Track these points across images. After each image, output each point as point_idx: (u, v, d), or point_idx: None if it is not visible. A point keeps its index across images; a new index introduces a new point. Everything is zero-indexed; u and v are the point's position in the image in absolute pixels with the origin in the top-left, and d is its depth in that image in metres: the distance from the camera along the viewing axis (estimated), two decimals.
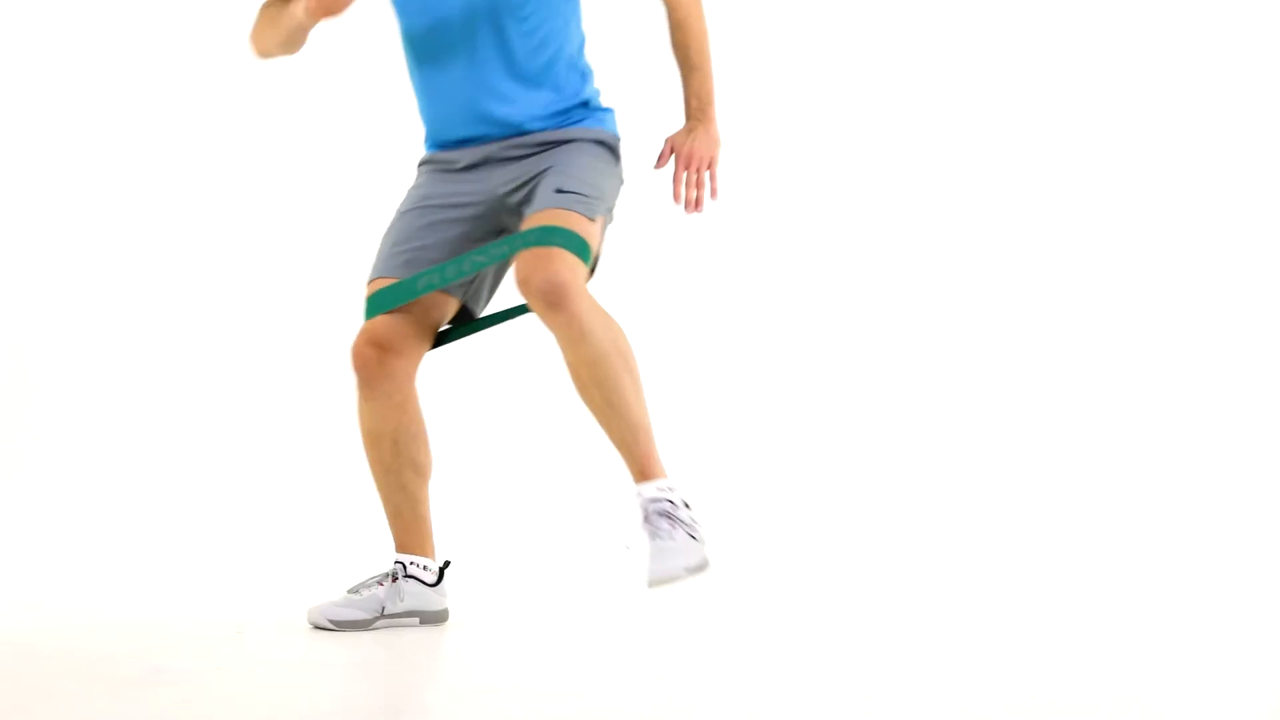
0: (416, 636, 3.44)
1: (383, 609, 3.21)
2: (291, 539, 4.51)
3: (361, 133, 5.24)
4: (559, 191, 2.88)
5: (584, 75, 3.17)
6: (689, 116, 3.16)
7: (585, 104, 3.11)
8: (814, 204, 5.27)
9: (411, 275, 3.00)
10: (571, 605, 3.86)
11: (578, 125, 3.05)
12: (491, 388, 5.12)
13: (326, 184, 5.23)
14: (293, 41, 3.15)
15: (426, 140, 3.21)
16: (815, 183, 5.28)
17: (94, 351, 5.09)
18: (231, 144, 5.22)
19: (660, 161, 3.16)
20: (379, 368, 2.94)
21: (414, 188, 3.18)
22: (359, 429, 3.05)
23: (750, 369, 5.22)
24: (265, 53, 3.20)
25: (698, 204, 3.09)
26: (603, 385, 2.76)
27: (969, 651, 3.49)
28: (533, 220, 2.88)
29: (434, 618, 3.33)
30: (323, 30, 3.19)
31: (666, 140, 3.18)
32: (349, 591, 3.23)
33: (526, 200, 3.01)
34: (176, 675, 3.04)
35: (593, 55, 3.25)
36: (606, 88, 3.31)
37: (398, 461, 3.06)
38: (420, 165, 3.21)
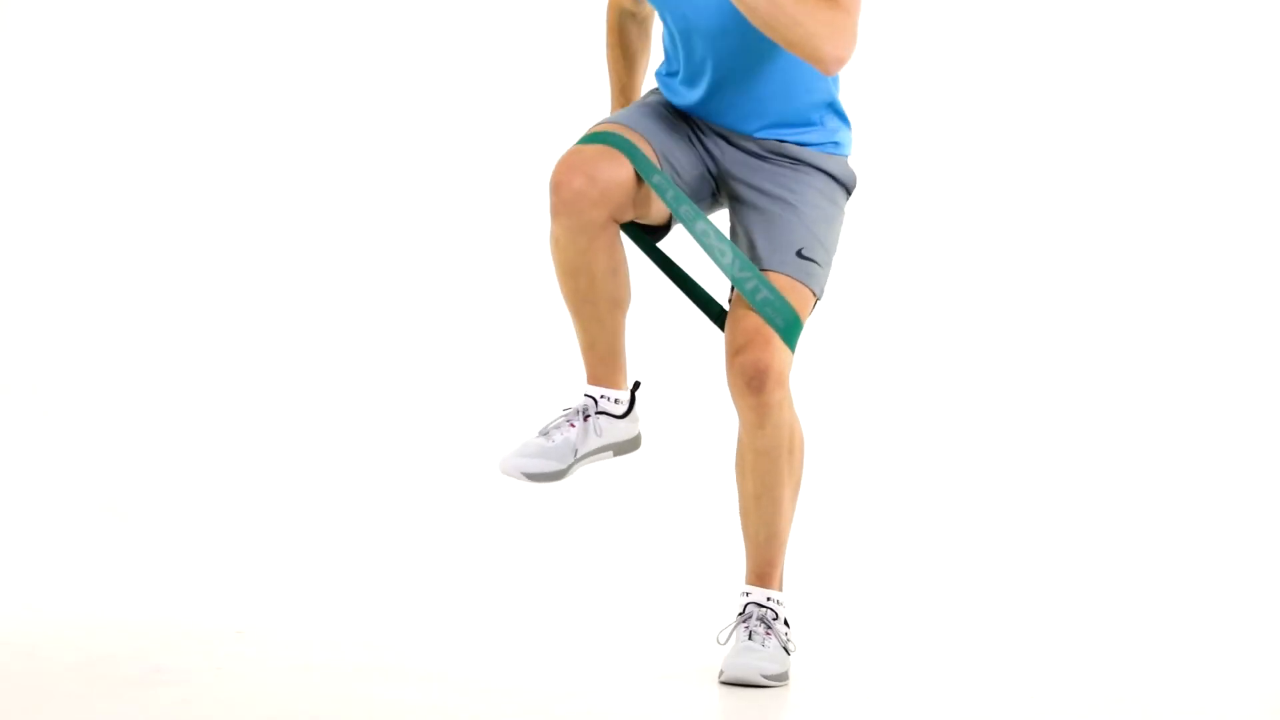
0: (417, 637, 3.44)
1: (575, 451, 2.90)
2: (291, 539, 4.50)
3: (358, 133, 5.24)
4: (800, 256, 2.71)
5: (832, 85, 2.92)
6: None
7: (831, 105, 2.88)
8: None
9: (656, 166, 2.73)
10: (571, 605, 3.86)
11: (823, 149, 2.83)
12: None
13: (324, 185, 5.22)
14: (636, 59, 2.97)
15: (667, 95, 2.90)
16: None
17: (94, 351, 5.09)
18: (229, 144, 5.22)
19: None
20: (585, 200, 2.64)
21: (665, 99, 2.88)
22: (552, 257, 2.76)
23: None
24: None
25: None
26: (762, 479, 2.71)
27: (969, 651, 3.49)
28: (770, 276, 2.70)
29: (627, 447, 3.01)
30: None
31: None
32: (539, 434, 2.89)
33: (753, 211, 2.79)
34: (176, 675, 3.04)
35: None
36: None
37: (594, 293, 2.78)
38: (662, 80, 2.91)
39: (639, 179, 2.73)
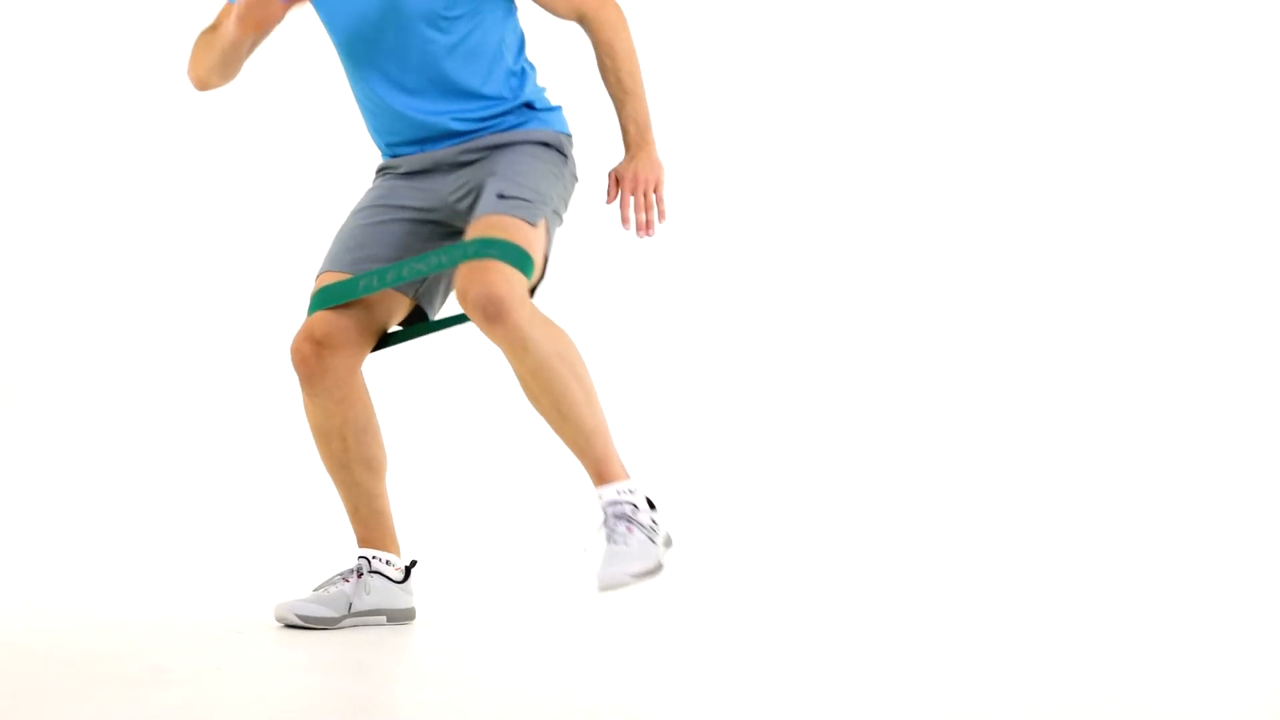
0: (416, 636, 3.44)
1: (350, 605, 3.19)
2: (291, 539, 4.50)
3: (352, 133, 5.24)
4: (500, 197, 2.88)
5: (523, 77, 3.14)
6: (628, 146, 3.10)
7: (529, 105, 3.10)
8: (792, 204, 5.28)
9: (356, 275, 3.00)
10: (565, 604, 3.86)
11: (522, 128, 3.05)
12: (454, 383, 5.11)
13: (314, 185, 5.23)
14: (228, 63, 3.14)
15: (378, 146, 3.22)
16: (791, 183, 5.28)
17: (94, 351, 5.09)
18: (228, 145, 5.22)
19: (609, 197, 3.13)
20: (317, 364, 2.93)
21: (369, 190, 3.20)
22: (309, 429, 3.02)
23: (739, 371, 5.23)
24: (203, 80, 3.19)
25: (648, 227, 3.07)
26: (551, 393, 2.79)
27: (969, 651, 3.49)
28: (475, 229, 2.89)
29: (401, 616, 3.30)
30: (259, 51, 3.18)
31: (610, 174, 3.13)
32: (315, 589, 3.20)
33: (473, 206, 3.01)
34: (176, 675, 3.04)
35: (540, 52, 3.18)
36: (557, 83, 3.25)
37: (347, 456, 3.06)
38: (377, 173, 3.22)
39: (359, 303, 2.98)
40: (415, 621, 3.50)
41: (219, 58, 3.12)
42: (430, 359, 4.54)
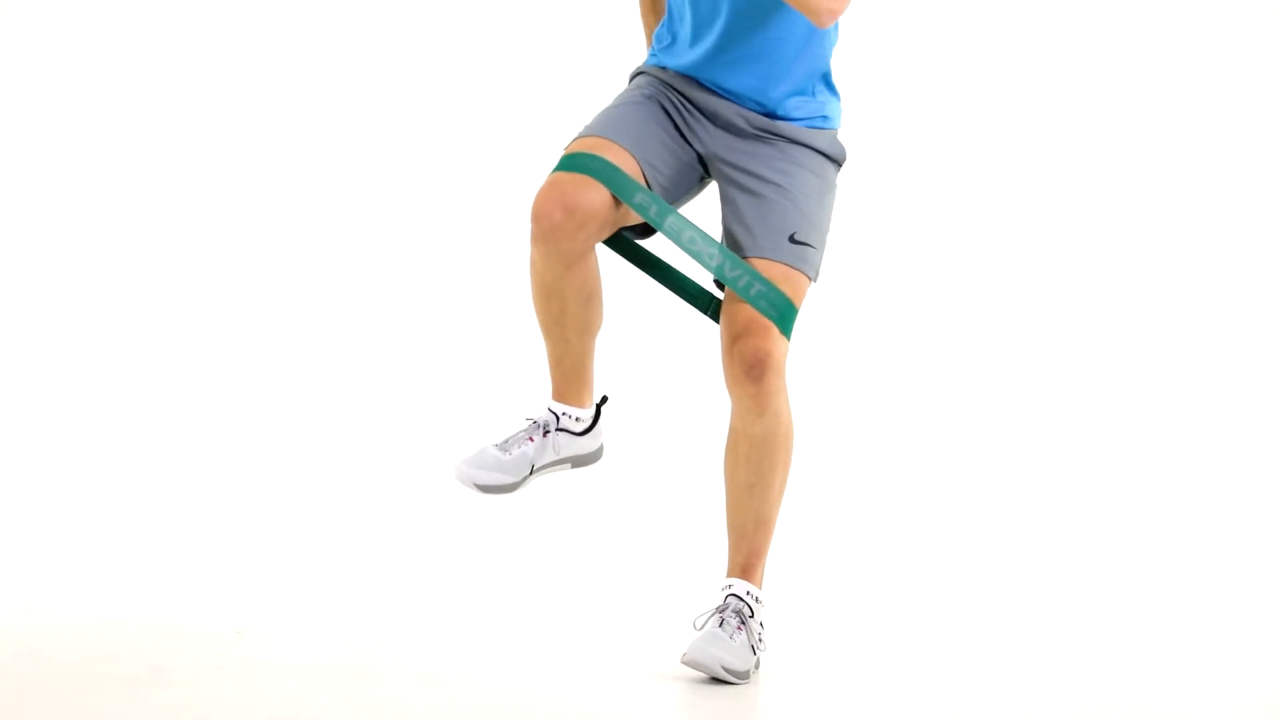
0: (417, 637, 3.43)
1: (532, 466, 2.96)
2: (290, 539, 4.50)
3: (354, 134, 5.24)
4: (794, 241, 2.71)
5: (828, 65, 2.90)
6: None
7: (825, 77, 2.84)
8: None
9: (631, 176, 2.74)
10: (569, 604, 3.86)
11: (813, 125, 2.81)
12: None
13: (321, 185, 5.23)
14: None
15: (663, 58, 2.89)
16: None
17: (93, 351, 5.09)
18: (227, 146, 5.22)
19: None
20: (560, 228, 2.67)
21: (645, 87, 2.87)
22: (530, 275, 2.79)
23: None
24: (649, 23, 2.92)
25: None
26: (757, 467, 2.71)
27: (969, 651, 3.49)
28: (763, 265, 2.70)
29: (586, 460, 3.06)
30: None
31: None
32: (497, 446, 2.95)
33: (744, 193, 2.77)
34: (176, 675, 3.04)
35: None
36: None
37: (565, 317, 2.83)
38: (641, 74, 2.91)
39: (618, 200, 2.75)
40: (417, 620, 3.49)
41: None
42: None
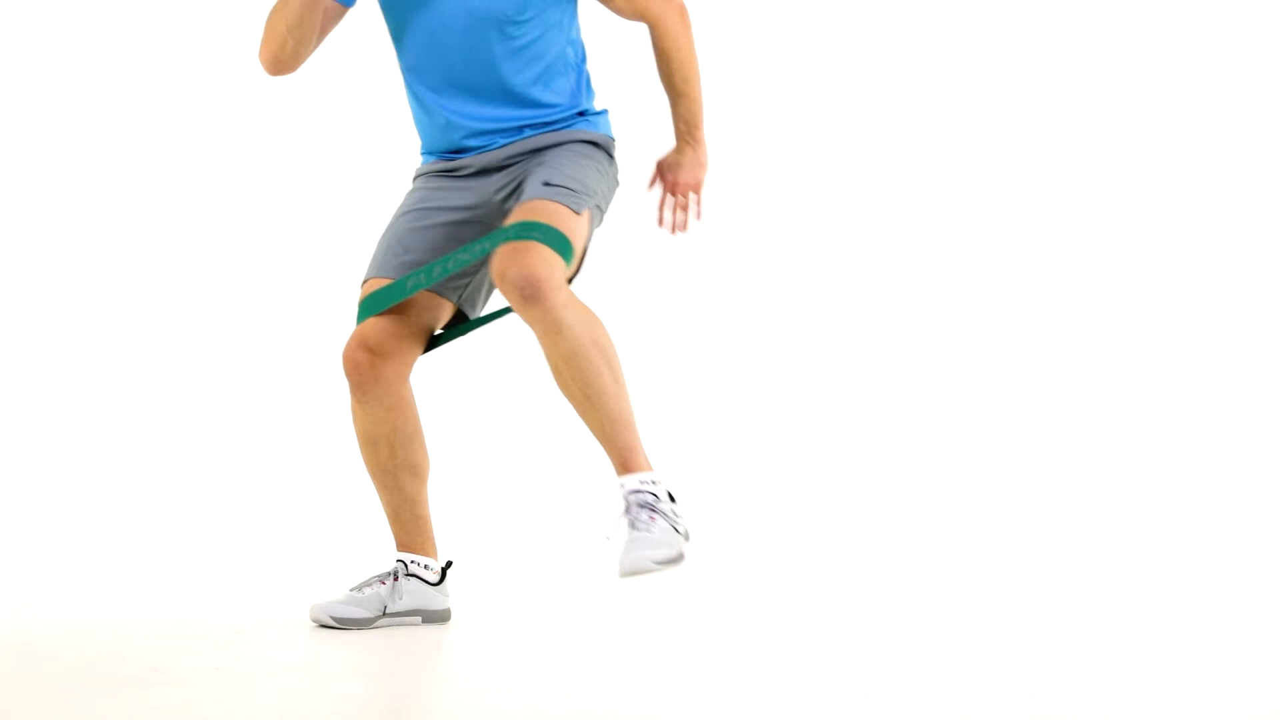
0: (417, 636, 3.44)
1: (384, 608, 3.23)
2: (291, 539, 4.50)
3: (358, 134, 5.24)
4: (546, 185, 2.88)
5: (579, 86, 3.17)
6: (678, 139, 3.18)
7: (582, 113, 3.13)
8: (810, 203, 5.28)
9: (402, 277, 3.01)
10: (570, 604, 3.86)
11: (569, 128, 3.06)
12: (485, 386, 5.12)
13: (324, 186, 5.23)
14: (304, 23, 3.05)
15: (423, 150, 3.22)
16: (810, 182, 5.28)
17: (93, 352, 5.09)
18: (227, 147, 5.23)
19: (651, 184, 3.18)
20: (370, 372, 2.95)
21: (411, 193, 3.20)
22: (355, 432, 3.06)
23: (748, 369, 5.23)
24: (275, 56, 3.09)
25: (683, 226, 3.11)
26: (581, 379, 2.76)
27: (969, 651, 3.49)
28: (517, 214, 2.89)
29: (436, 617, 3.34)
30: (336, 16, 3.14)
31: (656, 163, 3.19)
32: (351, 590, 3.24)
33: (516, 199, 3.03)
34: (176, 675, 3.04)
35: (597, 49, 3.21)
36: (607, 90, 3.29)
37: (394, 463, 3.07)
38: (416, 177, 3.22)
39: (406, 306, 2.97)
40: (424, 622, 3.50)
41: (294, 17, 3.02)
42: (462, 361, 4.54)
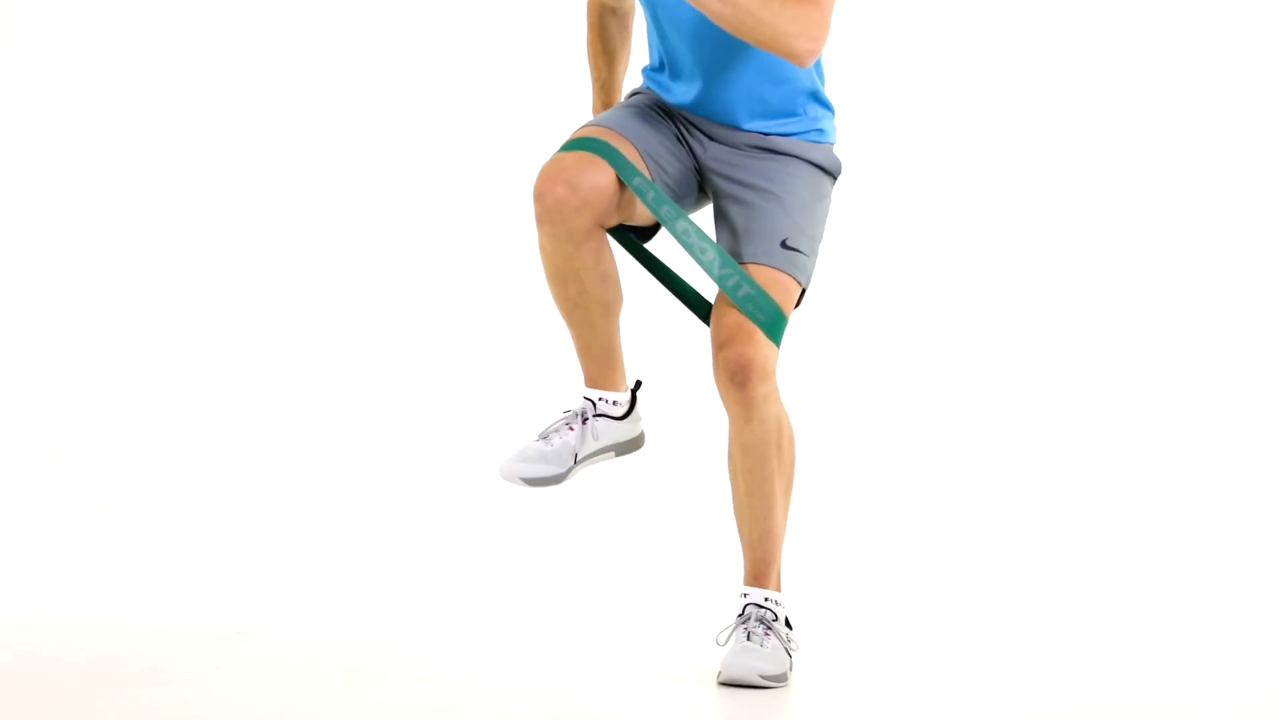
0: (417, 637, 3.44)
1: (575, 455, 2.92)
2: (291, 539, 4.50)
3: (363, 134, 5.24)
4: (785, 246, 2.71)
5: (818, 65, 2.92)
6: None
7: (814, 94, 2.86)
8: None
9: (631, 161, 2.76)
10: (570, 605, 3.86)
11: (807, 138, 2.84)
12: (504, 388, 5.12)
13: (323, 189, 5.23)
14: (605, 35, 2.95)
15: (658, 92, 2.93)
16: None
17: (93, 353, 5.09)
18: (228, 147, 5.22)
19: None
20: (567, 208, 2.67)
21: (646, 97, 2.92)
22: (542, 262, 2.77)
23: None
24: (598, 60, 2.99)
25: None
26: (750, 475, 2.70)
27: (969, 651, 3.49)
28: (754, 269, 2.72)
29: (628, 447, 3.02)
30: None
31: None
32: (538, 439, 2.92)
33: (737, 203, 2.80)
34: (176, 675, 3.04)
35: None
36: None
37: (584, 299, 2.81)
38: (638, 94, 2.95)
39: (621, 183, 2.74)
40: (417, 620, 3.50)
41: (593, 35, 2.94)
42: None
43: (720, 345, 2.66)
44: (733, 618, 2.90)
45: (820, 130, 2.87)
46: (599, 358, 2.85)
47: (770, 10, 2.58)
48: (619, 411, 2.91)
